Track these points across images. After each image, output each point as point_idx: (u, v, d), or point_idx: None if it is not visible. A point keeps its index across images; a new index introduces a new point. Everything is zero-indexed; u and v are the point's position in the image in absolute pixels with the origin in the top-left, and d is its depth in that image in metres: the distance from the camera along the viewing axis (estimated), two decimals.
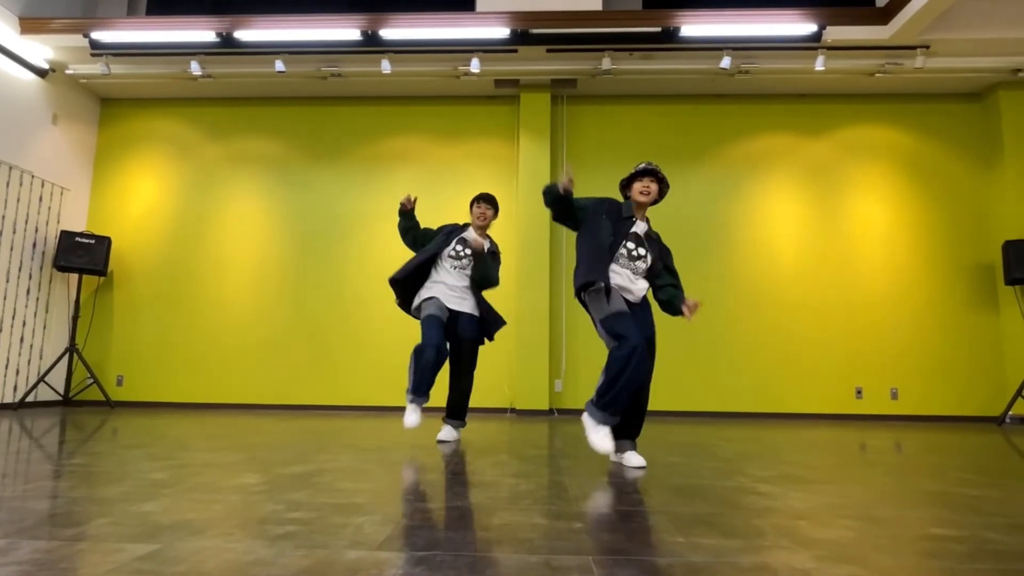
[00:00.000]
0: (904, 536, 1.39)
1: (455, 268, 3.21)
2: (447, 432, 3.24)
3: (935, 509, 1.68)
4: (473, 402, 5.62)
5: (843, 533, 1.40)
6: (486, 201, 3.33)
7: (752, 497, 1.81)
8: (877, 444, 3.41)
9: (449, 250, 3.23)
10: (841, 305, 5.61)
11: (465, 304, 3.20)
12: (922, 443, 3.49)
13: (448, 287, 3.18)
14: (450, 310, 3.16)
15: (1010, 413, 5.10)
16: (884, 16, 5.04)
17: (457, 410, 3.28)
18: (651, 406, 5.58)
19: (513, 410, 5.51)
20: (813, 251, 5.72)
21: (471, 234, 3.23)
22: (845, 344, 5.55)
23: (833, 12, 5.05)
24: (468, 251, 3.22)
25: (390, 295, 5.81)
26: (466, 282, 3.21)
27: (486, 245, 3.25)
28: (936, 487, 2.04)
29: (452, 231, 3.33)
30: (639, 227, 2.63)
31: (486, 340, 3.31)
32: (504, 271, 5.88)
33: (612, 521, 1.48)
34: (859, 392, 5.47)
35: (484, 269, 3.21)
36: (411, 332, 5.75)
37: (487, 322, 3.24)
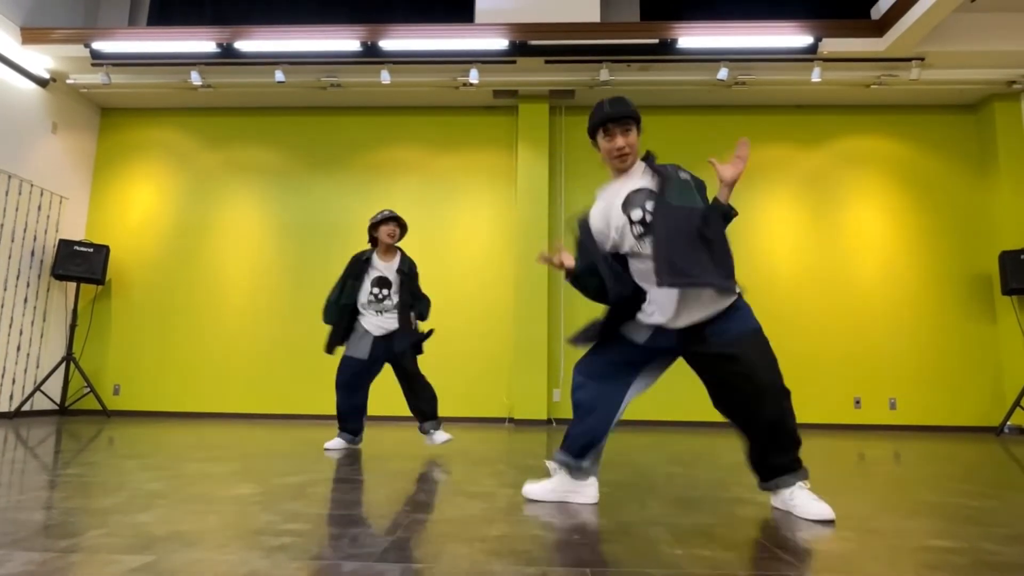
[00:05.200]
0: (903, 548, 1.38)
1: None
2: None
3: (934, 520, 1.68)
4: (471, 411, 5.64)
5: (842, 545, 1.40)
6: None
7: (750, 508, 1.81)
8: (876, 454, 3.40)
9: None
10: (839, 315, 5.62)
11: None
12: (921, 453, 3.49)
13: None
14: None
15: (1008, 423, 5.10)
16: (879, 28, 5.08)
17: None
18: (650, 416, 5.60)
19: (511, 420, 5.50)
20: (810, 261, 5.74)
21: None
22: (843, 354, 5.55)
23: (829, 24, 5.10)
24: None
25: None
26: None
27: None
28: (935, 498, 2.03)
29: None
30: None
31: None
32: (502, 280, 5.90)
33: (610, 533, 1.47)
34: (857, 402, 5.47)
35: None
36: None
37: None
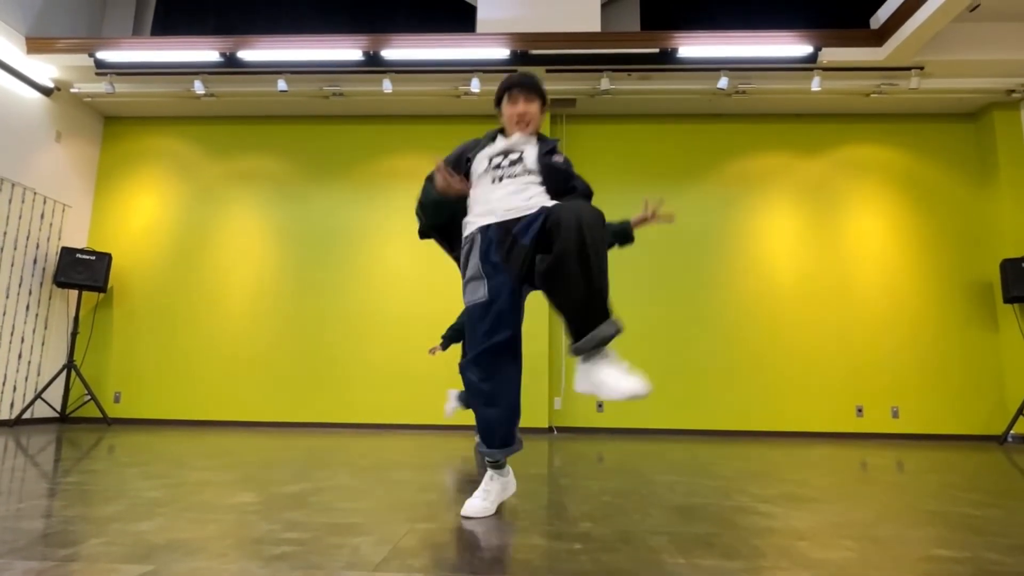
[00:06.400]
0: (906, 557, 1.37)
1: None
2: None
3: (937, 529, 1.67)
4: (471, 420, 5.60)
5: (844, 554, 1.39)
6: None
7: (753, 517, 1.80)
8: (878, 463, 3.39)
9: None
10: (840, 322, 5.61)
11: None
12: (923, 462, 3.47)
13: None
14: None
15: (1011, 432, 5.08)
16: (879, 38, 5.11)
17: None
18: (649, 424, 5.59)
19: None
20: (811, 269, 5.74)
21: None
22: (845, 362, 5.53)
23: (828, 34, 5.12)
24: None
25: (390, 312, 5.84)
26: None
27: None
28: (938, 507, 2.02)
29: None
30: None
31: None
32: None
33: (612, 542, 1.47)
34: (860, 410, 5.45)
35: None
36: (411, 350, 5.73)
37: None
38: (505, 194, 1.82)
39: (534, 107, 1.93)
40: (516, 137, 1.93)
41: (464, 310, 1.87)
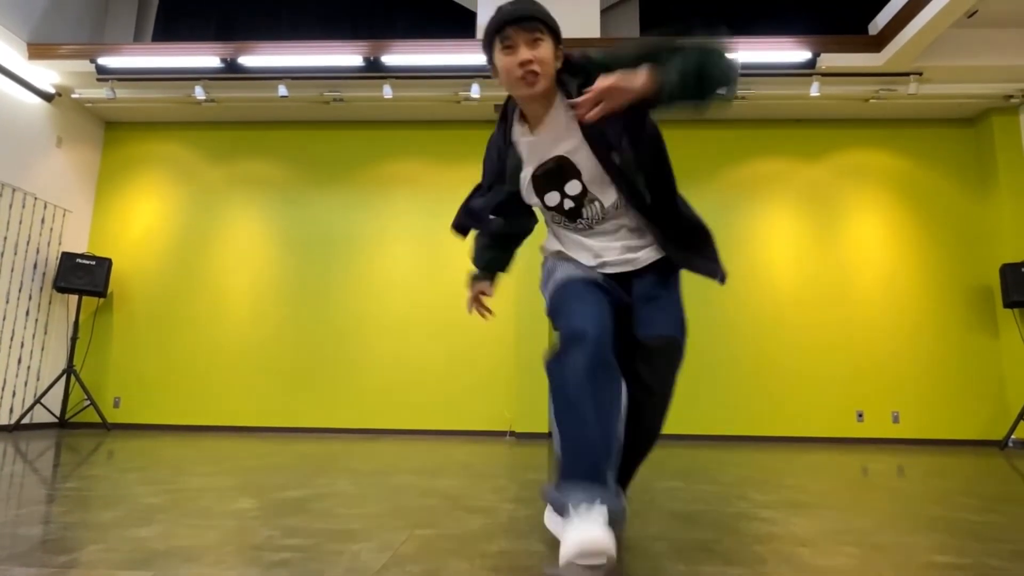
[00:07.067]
0: (907, 564, 1.37)
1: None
2: None
3: (938, 535, 1.67)
4: (471, 425, 5.62)
5: (846, 561, 1.38)
6: None
7: (753, 523, 1.79)
8: (879, 468, 3.38)
9: None
10: (840, 327, 5.61)
11: None
12: (924, 467, 3.46)
13: None
14: None
15: (1012, 437, 5.07)
16: (877, 44, 5.13)
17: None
18: None
19: (512, 433, 5.47)
20: (811, 274, 5.74)
21: None
22: (845, 367, 5.53)
23: (827, 40, 5.14)
24: None
25: (391, 317, 5.84)
26: None
27: None
28: (939, 512, 2.02)
29: None
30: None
31: None
32: (504, 291, 5.90)
33: None
34: (860, 416, 5.44)
35: None
36: (411, 355, 5.73)
37: None
38: (606, 245, 1.48)
39: (543, 49, 1.25)
40: (536, 137, 1.33)
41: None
